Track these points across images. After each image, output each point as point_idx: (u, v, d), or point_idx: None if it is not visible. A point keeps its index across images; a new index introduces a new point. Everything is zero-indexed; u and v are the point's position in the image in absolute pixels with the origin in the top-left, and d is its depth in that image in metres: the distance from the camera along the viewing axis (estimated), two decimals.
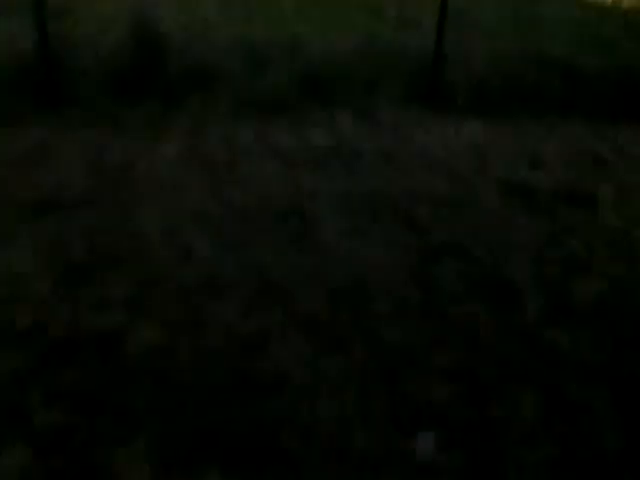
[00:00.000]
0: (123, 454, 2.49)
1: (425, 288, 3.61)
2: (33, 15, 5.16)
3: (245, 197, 4.34)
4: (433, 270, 3.76)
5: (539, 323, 3.40)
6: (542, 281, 3.72)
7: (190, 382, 2.86)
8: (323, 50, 6.69)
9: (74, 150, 4.69)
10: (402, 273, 3.72)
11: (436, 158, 5.07)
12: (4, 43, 5.84)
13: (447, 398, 2.89)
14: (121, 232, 3.85)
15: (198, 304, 3.35)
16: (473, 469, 2.60)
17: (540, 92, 6.49)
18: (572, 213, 4.52)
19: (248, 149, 4.92)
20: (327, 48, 6.81)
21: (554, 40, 7.99)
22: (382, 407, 2.83)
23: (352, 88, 6.04)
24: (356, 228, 4.11)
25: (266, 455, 2.54)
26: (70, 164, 4.51)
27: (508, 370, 3.08)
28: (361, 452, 2.61)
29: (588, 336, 3.33)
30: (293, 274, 3.62)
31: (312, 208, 4.27)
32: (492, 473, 2.58)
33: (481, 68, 6.89)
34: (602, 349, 3.26)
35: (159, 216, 4.04)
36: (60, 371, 2.83)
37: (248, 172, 4.62)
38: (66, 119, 5.07)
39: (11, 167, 4.43)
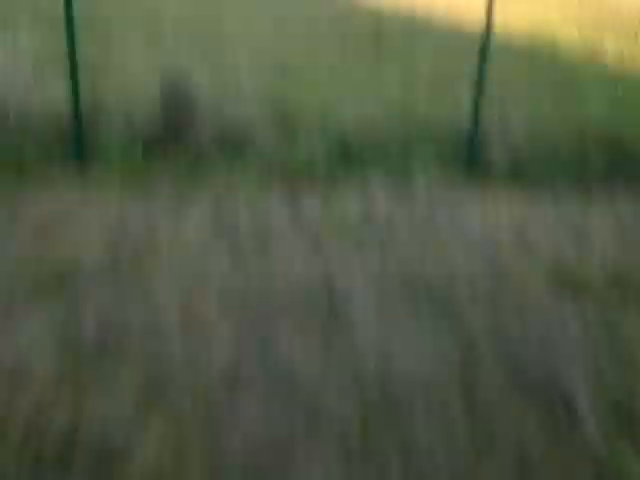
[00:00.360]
0: None
1: (468, 399, 3.19)
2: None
3: (271, 274, 3.98)
4: (476, 376, 3.36)
5: (602, 445, 2.98)
6: (602, 396, 3.30)
7: None
8: (356, 115, 6.37)
9: (98, 215, 4.41)
10: (442, 376, 3.32)
11: (474, 235, 4.69)
12: (46, 104, 5.62)
13: None
14: (138, 311, 3.50)
15: (215, 403, 2.98)
16: None
17: (581, 160, 6.12)
18: (629, 305, 4.11)
19: (277, 220, 4.58)
20: (360, 112, 6.50)
21: (592, 104, 7.66)
22: None
23: (385, 155, 5.71)
24: (390, 315, 3.73)
25: None
26: (93, 230, 4.23)
27: None
28: None
29: None
30: (321, 378, 3.22)
31: (343, 290, 3.90)
32: None
33: (519, 135, 6.55)
34: None
35: (179, 293, 3.69)
36: None
37: (276, 246, 4.27)
38: (93, 182, 4.79)
39: (33, 233, 4.15)
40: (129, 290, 3.71)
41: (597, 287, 4.25)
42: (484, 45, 5.59)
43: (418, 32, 10.44)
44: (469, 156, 5.80)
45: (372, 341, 3.51)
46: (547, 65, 9.43)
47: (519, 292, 4.11)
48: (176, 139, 5.38)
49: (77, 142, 5.13)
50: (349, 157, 5.58)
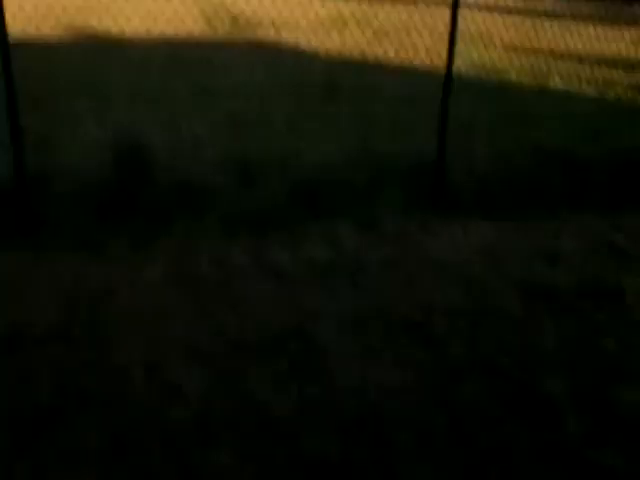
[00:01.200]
0: None
1: (451, 413, 3.16)
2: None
3: (240, 323, 3.93)
4: (457, 391, 3.32)
5: (583, 443, 2.94)
6: (580, 393, 3.27)
7: None
8: (318, 162, 6.48)
9: (50, 279, 4.30)
10: (422, 397, 3.28)
11: (447, 264, 4.68)
12: None
13: None
14: (98, 370, 3.42)
15: (186, 452, 2.91)
16: None
17: (546, 187, 6.22)
18: (600, 311, 4.11)
19: (241, 269, 4.54)
20: (322, 159, 6.61)
21: (552, 134, 7.87)
22: None
23: (350, 198, 5.74)
24: (366, 350, 3.68)
25: None
26: (44, 295, 4.12)
27: None
28: None
29: None
30: (297, 409, 3.18)
31: (314, 331, 3.85)
32: None
33: (482, 167, 6.67)
34: None
35: (142, 350, 3.62)
36: None
37: (242, 294, 4.22)
38: (44, 246, 4.70)
39: None
40: (87, 351, 3.61)
41: (567, 297, 4.27)
42: (446, 80, 5.63)
43: (371, 82, 10.64)
44: (435, 190, 5.83)
45: (349, 378, 3.47)
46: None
47: (493, 310, 4.10)
48: (132, 200, 5.36)
49: (25, 211, 4.98)
50: (313, 203, 5.60)
